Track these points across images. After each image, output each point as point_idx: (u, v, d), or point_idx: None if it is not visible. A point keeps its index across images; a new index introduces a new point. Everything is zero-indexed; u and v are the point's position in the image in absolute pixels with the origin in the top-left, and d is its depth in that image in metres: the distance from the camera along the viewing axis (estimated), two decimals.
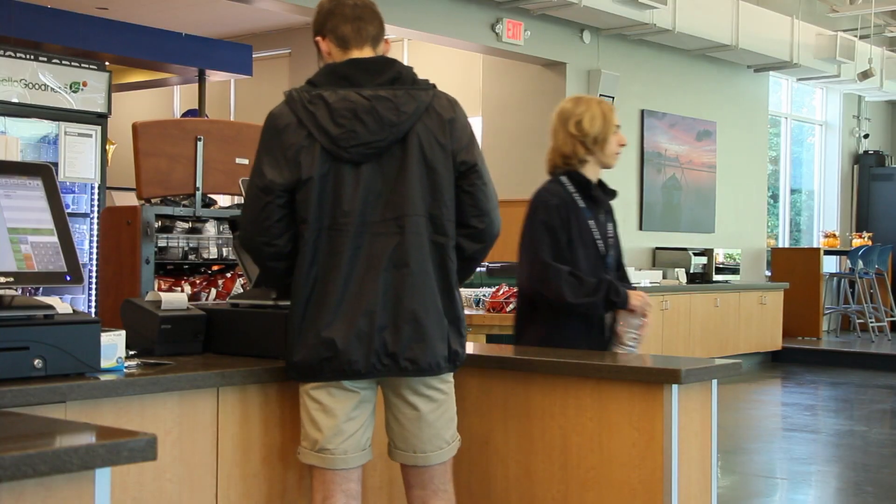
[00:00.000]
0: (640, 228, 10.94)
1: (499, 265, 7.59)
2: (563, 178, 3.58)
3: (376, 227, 2.68)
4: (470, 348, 3.77)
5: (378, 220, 2.69)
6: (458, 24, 9.17)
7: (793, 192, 14.50)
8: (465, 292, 6.17)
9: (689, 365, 2.97)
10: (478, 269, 7.59)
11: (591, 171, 3.63)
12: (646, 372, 2.99)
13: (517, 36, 9.54)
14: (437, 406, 2.76)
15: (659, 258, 10.93)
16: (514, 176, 10.38)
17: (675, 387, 2.86)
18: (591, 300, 3.45)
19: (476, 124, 10.63)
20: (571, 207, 3.51)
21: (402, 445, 2.77)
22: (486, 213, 2.80)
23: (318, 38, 2.83)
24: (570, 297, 3.42)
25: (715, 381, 3.08)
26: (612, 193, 3.74)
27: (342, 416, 2.69)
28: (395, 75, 2.75)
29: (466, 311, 5.75)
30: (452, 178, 2.76)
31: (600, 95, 10.25)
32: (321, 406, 2.69)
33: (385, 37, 2.87)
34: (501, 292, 5.68)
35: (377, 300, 2.65)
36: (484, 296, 5.83)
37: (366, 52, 2.79)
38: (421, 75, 2.84)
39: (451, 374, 2.81)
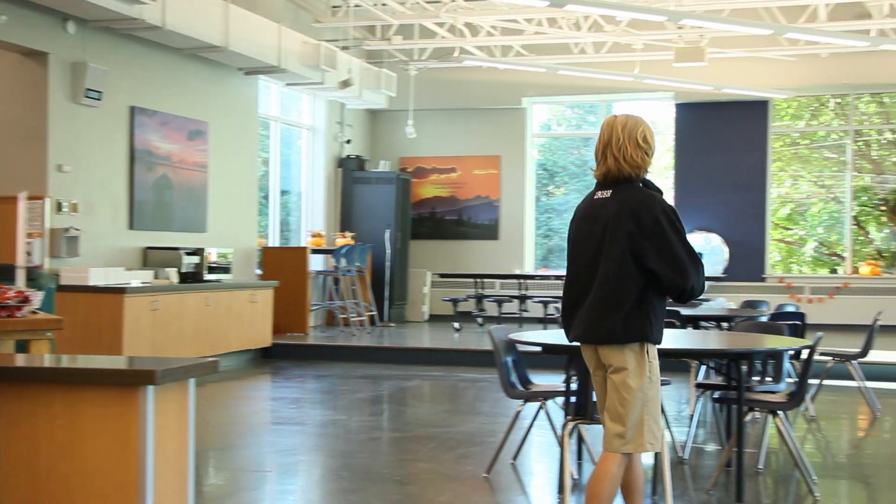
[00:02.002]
0: (131, 227, 10.67)
1: None
2: (642, 186, 4.18)
3: None
4: None
5: None
6: None
7: (283, 192, 14.99)
8: None
9: (165, 365, 2.95)
10: None
11: None
12: (120, 374, 2.92)
13: None
14: None
15: (150, 258, 10.75)
16: None
17: (149, 388, 2.83)
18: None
19: None
20: None
21: None
22: None
23: None
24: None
25: (192, 381, 3.08)
26: None
27: None
28: None
29: None
30: None
31: (87, 90, 9.86)
32: None
33: None
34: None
35: None
36: None
37: None
38: None
39: None
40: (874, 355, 9.10)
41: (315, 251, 13.92)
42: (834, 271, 15.98)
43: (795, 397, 5.88)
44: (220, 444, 7.12)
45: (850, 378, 8.84)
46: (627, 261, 4.06)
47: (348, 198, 15.66)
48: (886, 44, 12.30)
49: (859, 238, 16.09)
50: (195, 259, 10.80)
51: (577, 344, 4.34)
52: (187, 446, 3.05)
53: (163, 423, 2.88)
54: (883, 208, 16.36)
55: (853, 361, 8.63)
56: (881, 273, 15.13)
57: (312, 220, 15.34)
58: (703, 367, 7.54)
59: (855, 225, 15.86)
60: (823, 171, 16.53)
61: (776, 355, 6.53)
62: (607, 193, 4.18)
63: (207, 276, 10.92)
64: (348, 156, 15.79)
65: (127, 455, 2.80)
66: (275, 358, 11.97)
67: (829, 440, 7.61)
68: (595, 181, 4.28)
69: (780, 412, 5.88)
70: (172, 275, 10.38)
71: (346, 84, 13.36)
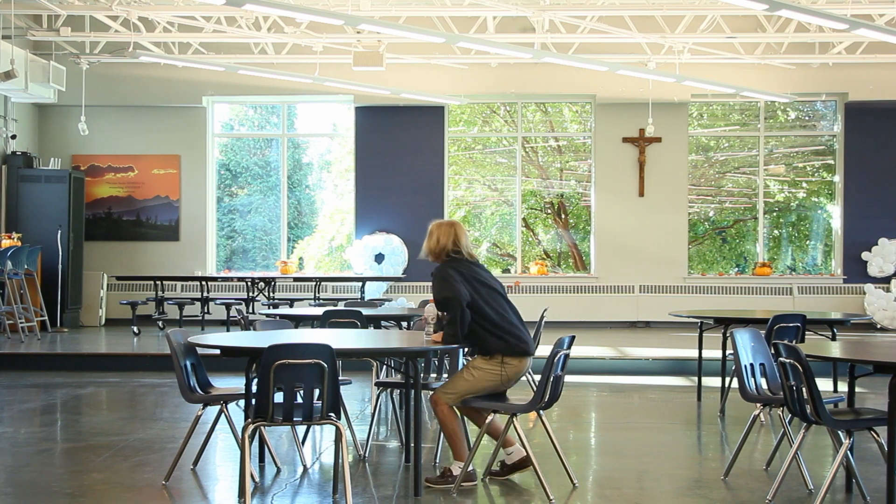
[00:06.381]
0: None
1: None
2: None
3: None
4: None
5: None
6: None
7: None
8: None
9: None
10: None
11: None
12: None
13: None
14: None
15: None
16: None
17: None
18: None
19: None
20: None
21: None
22: None
23: None
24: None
25: None
26: None
27: None
28: None
29: None
30: None
31: None
32: None
33: None
34: None
35: None
36: None
37: None
38: None
39: None
40: (541, 350, 9.67)
41: None
42: (507, 271, 16.86)
43: None
44: None
45: None
46: None
47: (14, 197, 14.72)
48: (548, 57, 13.13)
49: (528, 239, 17.07)
50: None
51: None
52: None
53: None
54: (549, 211, 17.46)
55: None
56: (548, 272, 16.17)
57: None
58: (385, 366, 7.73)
59: (524, 227, 16.83)
60: (496, 175, 17.40)
61: (451, 352, 6.80)
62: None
63: None
64: (14, 152, 14.84)
65: None
66: None
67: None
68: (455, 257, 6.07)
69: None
70: None
71: (8, 76, 12.51)
